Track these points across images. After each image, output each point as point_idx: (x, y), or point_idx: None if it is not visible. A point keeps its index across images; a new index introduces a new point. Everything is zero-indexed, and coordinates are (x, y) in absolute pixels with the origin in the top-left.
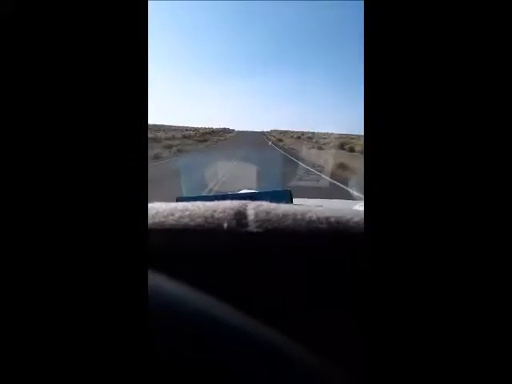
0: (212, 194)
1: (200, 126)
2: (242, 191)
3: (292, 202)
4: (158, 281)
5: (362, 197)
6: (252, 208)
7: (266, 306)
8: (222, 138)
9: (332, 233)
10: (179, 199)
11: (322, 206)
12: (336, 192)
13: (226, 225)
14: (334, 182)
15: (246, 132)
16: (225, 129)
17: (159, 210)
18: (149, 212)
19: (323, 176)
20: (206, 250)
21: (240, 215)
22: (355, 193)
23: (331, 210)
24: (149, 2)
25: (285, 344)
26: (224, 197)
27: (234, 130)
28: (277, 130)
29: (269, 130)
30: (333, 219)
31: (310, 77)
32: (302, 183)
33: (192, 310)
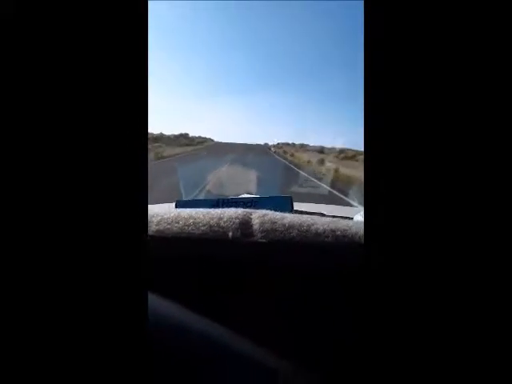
0: (213, 197)
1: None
2: (243, 196)
3: (293, 208)
4: (156, 303)
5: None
6: (257, 217)
7: (266, 317)
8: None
9: (337, 247)
10: (178, 203)
11: (322, 213)
12: None
13: (230, 234)
14: None
15: (234, 145)
16: (183, 135)
17: (164, 216)
18: (153, 219)
19: None
20: (210, 258)
21: (245, 225)
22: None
23: (336, 221)
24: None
25: (282, 365)
26: (225, 201)
27: (212, 141)
28: (290, 144)
29: (275, 142)
30: (338, 232)
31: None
32: None
33: (190, 332)
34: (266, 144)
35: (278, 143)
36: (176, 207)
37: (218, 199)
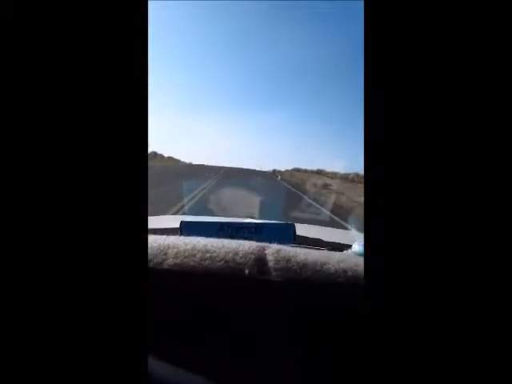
0: (217, 220)
1: None
2: (247, 220)
3: (295, 235)
4: (157, 367)
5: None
6: (271, 254)
7: (278, 354)
8: None
9: (349, 287)
10: (183, 223)
11: (321, 239)
12: None
13: (247, 271)
14: None
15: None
16: None
17: (180, 249)
18: (169, 251)
19: None
20: (227, 295)
21: (260, 261)
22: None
23: (346, 260)
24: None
25: None
26: (229, 225)
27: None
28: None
29: (289, 167)
30: (350, 273)
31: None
32: None
33: None
34: (275, 171)
35: (294, 168)
36: (180, 227)
37: (223, 223)
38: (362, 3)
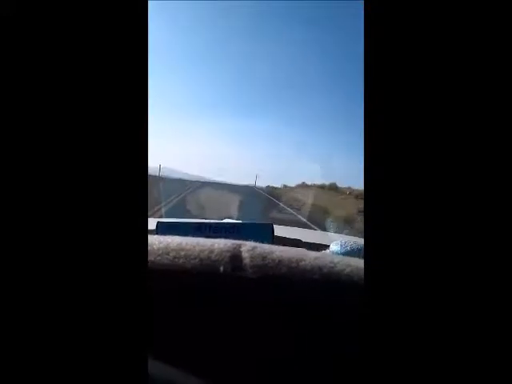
0: (194, 220)
1: None
2: (225, 221)
3: (273, 235)
4: (157, 369)
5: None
6: (246, 251)
7: (256, 356)
8: None
9: (324, 284)
10: (159, 224)
11: (299, 239)
12: None
13: (221, 268)
14: None
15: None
16: None
17: (153, 247)
18: None
19: None
20: (201, 293)
21: (235, 258)
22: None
23: (321, 258)
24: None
25: None
26: (207, 225)
27: None
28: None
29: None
30: (325, 270)
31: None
32: None
33: None
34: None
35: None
36: (157, 228)
37: (200, 224)
38: (362, 3)
